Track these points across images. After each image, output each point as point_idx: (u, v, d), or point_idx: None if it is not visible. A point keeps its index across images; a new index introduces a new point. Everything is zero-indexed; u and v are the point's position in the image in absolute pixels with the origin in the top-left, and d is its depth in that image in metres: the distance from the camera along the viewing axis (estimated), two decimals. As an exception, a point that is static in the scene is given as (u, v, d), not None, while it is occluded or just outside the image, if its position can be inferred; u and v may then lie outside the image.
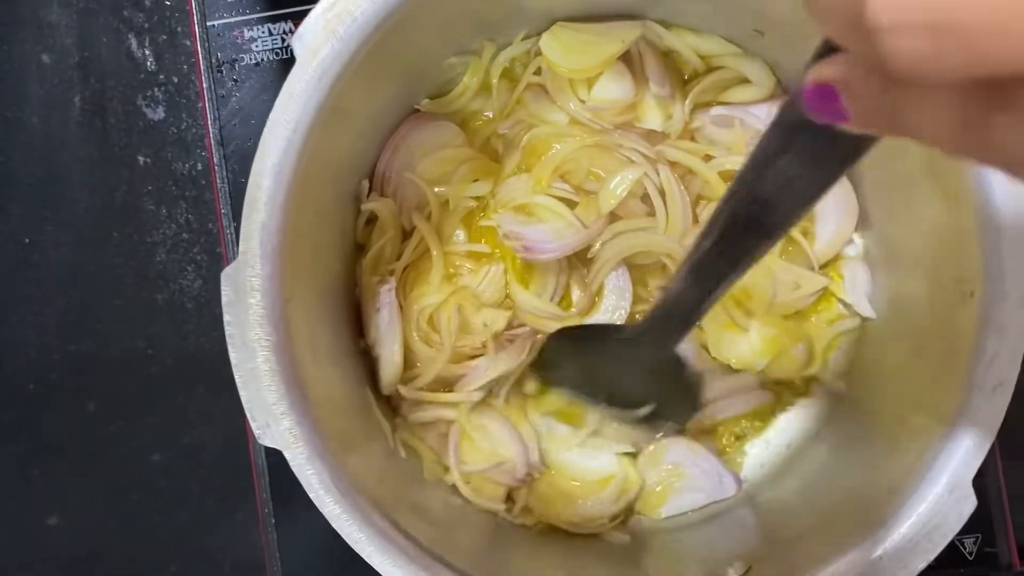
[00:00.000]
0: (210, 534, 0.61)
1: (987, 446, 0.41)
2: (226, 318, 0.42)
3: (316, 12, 0.41)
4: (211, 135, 0.55)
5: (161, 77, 0.61)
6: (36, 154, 0.62)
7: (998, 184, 0.40)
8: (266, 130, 0.41)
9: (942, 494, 0.41)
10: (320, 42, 0.41)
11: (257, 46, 0.55)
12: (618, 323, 0.53)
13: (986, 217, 0.41)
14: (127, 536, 0.62)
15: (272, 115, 0.41)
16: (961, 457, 0.41)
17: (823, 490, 0.51)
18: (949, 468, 0.41)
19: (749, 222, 0.33)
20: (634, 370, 0.49)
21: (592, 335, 0.51)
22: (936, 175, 0.44)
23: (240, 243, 0.41)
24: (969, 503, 0.41)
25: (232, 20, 0.55)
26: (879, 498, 0.43)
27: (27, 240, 0.62)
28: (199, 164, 0.61)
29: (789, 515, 0.52)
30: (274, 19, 0.56)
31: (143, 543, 0.62)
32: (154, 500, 0.62)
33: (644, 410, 0.51)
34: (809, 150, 0.29)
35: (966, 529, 0.54)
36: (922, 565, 0.41)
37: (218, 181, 0.55)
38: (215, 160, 0.55)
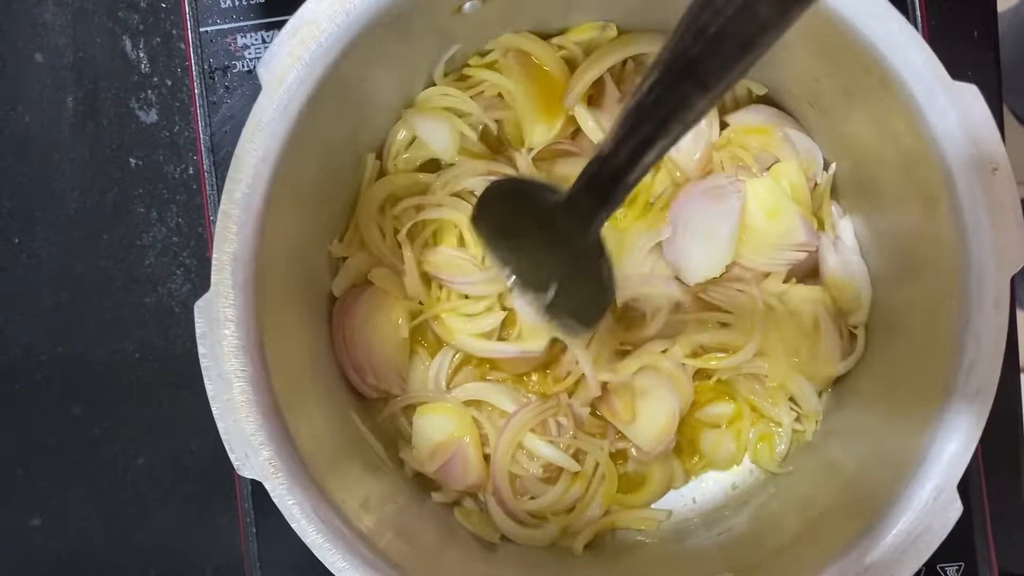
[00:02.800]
0: (192, 539, 0.61)
1: (970, 452, 0.41)
2: (200, 350, 0.41)
3: (280, 39, 0.41)
4: (202, 141, 0.55)
5: (155, 80, 0.61)
6: (28, 154, 0.61)
7: (971, 189, 0.40)
8: (234, 159, 0.41)
9: (927, 500, 0.41)
10: (285, 69, 0.41)
11: (249, 53, 0.55)
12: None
13: (962, 221, 0.41)
14: (109, 539, 0.62)
15: (240, 144, 0.41)
16: (944, 463, 0.41)
17: (811, 498, 0.51)
18: (933, 474, 0.41)
19: (691, 64, 0.31)
20: (552, 247, 0.43)
21: (526, 192, 0.44)
22: (913, 180, 0.44)
23: (212, 274, 0.41)
24: (955, 509, 0.41)
25: (225, 27, 0.55)
26: (866, 506, 0.44)
27: (16, 240, 0.62)
28: (190, 168, 0.61)
29: (778, 524, 0.52)
30: (267, 27, 0.55)
31: (125, 546, 0.62)
32: (138, 503, 0.62)
33: (549, 292, 0.45)
34: None
35: (949, 557, 0.54)
36: (909, 573, 0.41)
37: (207, 187, 0.55)
38: (205, 166, 0.55)
